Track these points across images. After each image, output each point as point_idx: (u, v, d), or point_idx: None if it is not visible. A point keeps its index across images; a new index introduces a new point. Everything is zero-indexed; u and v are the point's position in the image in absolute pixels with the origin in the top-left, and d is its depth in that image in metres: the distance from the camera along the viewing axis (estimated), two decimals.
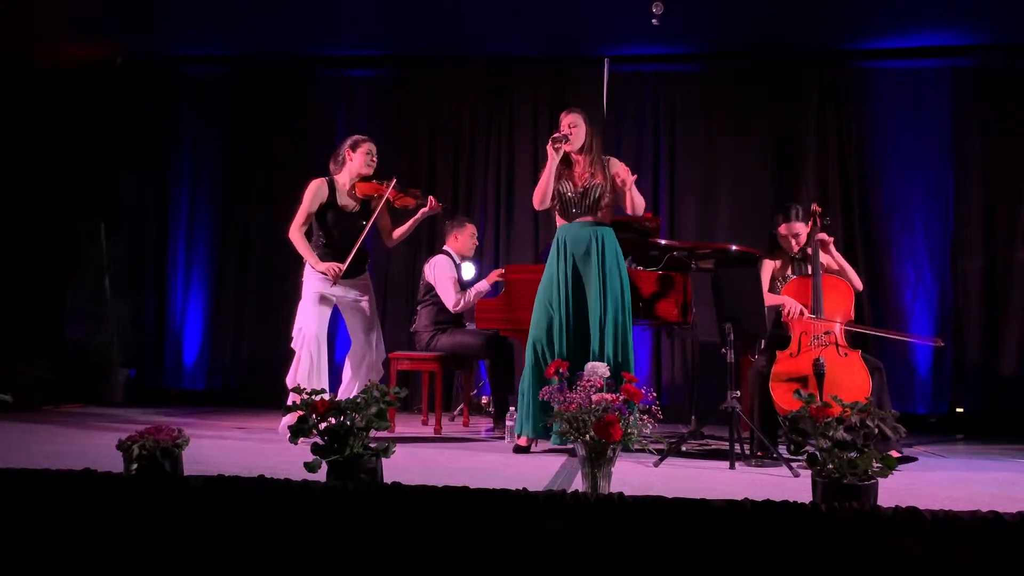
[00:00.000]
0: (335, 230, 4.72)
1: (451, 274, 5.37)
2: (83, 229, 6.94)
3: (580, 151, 4.34)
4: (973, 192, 6.33)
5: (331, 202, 4.73)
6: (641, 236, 4.95)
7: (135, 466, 2.91)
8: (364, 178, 4.77)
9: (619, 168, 4.32)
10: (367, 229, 4.74)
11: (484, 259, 6.67)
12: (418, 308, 5.50)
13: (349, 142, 4.81)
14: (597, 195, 4.28)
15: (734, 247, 5.14)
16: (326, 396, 3.04)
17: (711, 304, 4.05)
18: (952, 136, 6.38)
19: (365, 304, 4.82)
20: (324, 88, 7.02)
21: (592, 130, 4.37)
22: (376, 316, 4.92)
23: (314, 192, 4.73)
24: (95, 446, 3.99)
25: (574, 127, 4.32)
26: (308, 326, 4.69)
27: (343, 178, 4.78)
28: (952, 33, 6.21)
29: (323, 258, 4.70)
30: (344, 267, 4.64)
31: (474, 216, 6.59)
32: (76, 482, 2.66)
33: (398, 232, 4.92)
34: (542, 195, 4.33)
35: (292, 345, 4.77)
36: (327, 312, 4.78)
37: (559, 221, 4.40)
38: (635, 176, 4.30)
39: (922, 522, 2.33)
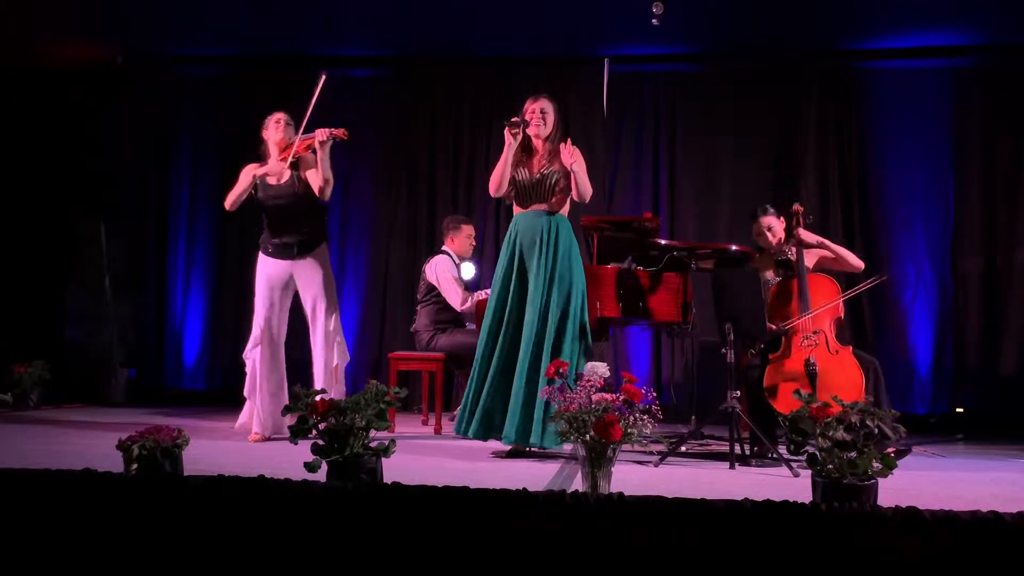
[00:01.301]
0: (269, 205, 4.61)
1: (453, 274, 5.38)
2: (83, 229, 6.94)
3: (545, 138, 4.26)
4: (973, 192, 6.33)
5: (261, 181, 4.62)
6: (641, 236, 4.95)
7: (135, 466, 2.90)
8: (286, 146, 4.63)
9: (578, 158, 4.20)
10: (290, 176, 4.57)
11: (485, 259, 6.68)
12: (418, 308, 5.50)
13: (262, 126, 4.73)
14: (553, 182, 4.20)
15: (734, 247, 5.13)
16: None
17: (711, 304, 4.06)
18: (952, 136, 6.38)
19: (315, 285, 4.59)
20: (324, 88, 7.00)
21: (558, 118, 4.30)
22: (330, 303, 4.62)
23: (245, 170, 4.67)
24: (95, 446, 3.99)
25: (546, 114, 4.25)
26: (256, 323, 4.59)
27: (272, 158, 4.67)
28: (952, 33, 6.21)
29: (267, 238, 4.60)
30: (295, 140, 4.51)
31: (474, 216, 6.58)
32: (76, 482, 2.66)
33: (317, 179, 4.55)
34: (498, 181, 4.24)
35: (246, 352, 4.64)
36: (282, 302, 4.62)
37: (515, 209, 4.32)
38: (574, 160, 4.13)
39: (922, 522, 2.33)
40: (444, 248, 5.59)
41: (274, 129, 4.68)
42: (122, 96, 7.03)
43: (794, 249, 4.41)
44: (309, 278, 4.61)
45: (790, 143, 6.57)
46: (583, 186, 4.18)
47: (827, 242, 4.56)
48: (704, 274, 4.74)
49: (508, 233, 4.29)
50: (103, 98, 7.02)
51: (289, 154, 4.58)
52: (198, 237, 7.08)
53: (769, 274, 4.59)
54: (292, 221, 4.60)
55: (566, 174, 4.20)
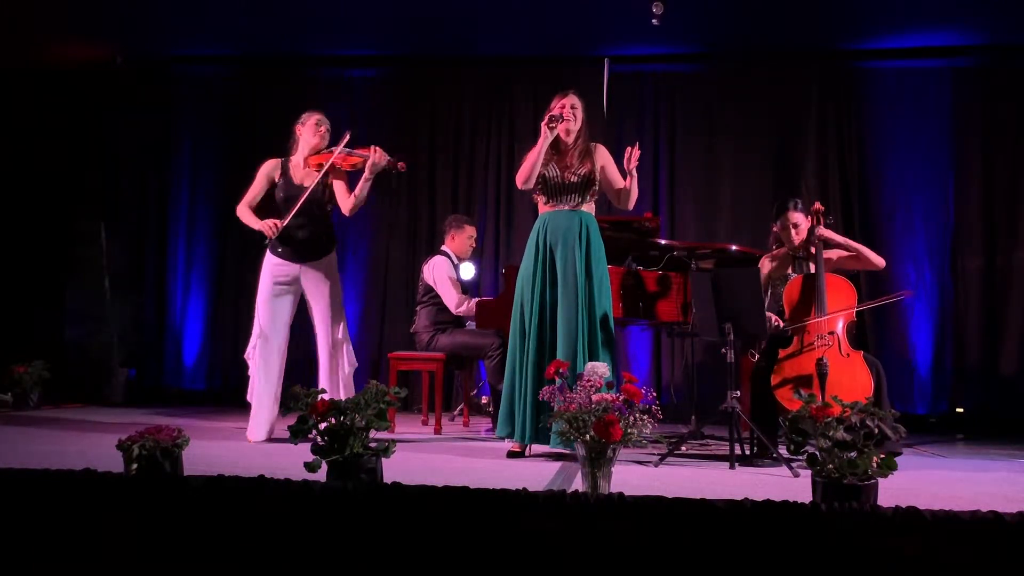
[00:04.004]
0: (285, 207, 4.53)
1: (450, 275, 5.37)
2: (83, 229, 6.94)
3: (575, 136, 4.21)
4: (973, 192, 6.33)
5: (283, 181, 4.59)
6: (641, 236, 4.95)
7: (135, 466, 2.90)
8: (317, 151, 4.60)
9: (608, 157, 4.22)
10: (306, 194, 4.46)
11: (484, 259, 6.68)
12: (417, 308, 5.49)
13: (299, 119, 4.68)
14: (585, 182, 4.15)
15: (734, 247, 5.14)
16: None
17: (711, 304, 4.05)
18: (952, 136, 6.38)
19: (323, 292, 4.56)
20: (324, 88, 7.02)
21: (586, 116, 4.26)
22: (337, 310, 4.58)
23: (265, 170, 4.63)
24: (95, 446, 3.99)
25: (576, 108, 4.20)
26: (256, 323, 4.57)
27: (297, 157, 4.64)
28: (952, 33, 6.21)
29: (278, 239, 4.50)
30: (283, 222, 4.43)
31: (474, 216, 6.59)
32: (76, 482, 2.65)
33: (353, 196, 4.52)
34: (528, 174, 4.15)
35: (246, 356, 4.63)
36: (286, 304, 4.58)
37: (542, 208, 4.23)
38: (633, 169, 4.14)
39: (922, 522, 2.33)
40: (443, 248, 5.59)
41: (312, 131, 4.61)
42: (122, 96, 7.04)
43: (814, 248, 4.39)
44: (318, 286, 4.57)
45: (790, 143, 6.58)
46: (634, 193, 4.18)
47: (851, 242, 4.54)
48: (704, 274, 4.73)
49: (535, 232, 4.19)
50: (103, 98, 7.02)
51: (326, 161, 4.52)
52: (198, 237, 7.08)
53: (788, 269, 4.56)
54: (304, 224, 4.53)
55: (598, 175, 4.18)
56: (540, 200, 4.25)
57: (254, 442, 4.52)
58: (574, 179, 4.16)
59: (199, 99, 7.15)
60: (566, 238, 4.11)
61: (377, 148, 4.49)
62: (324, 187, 4.59)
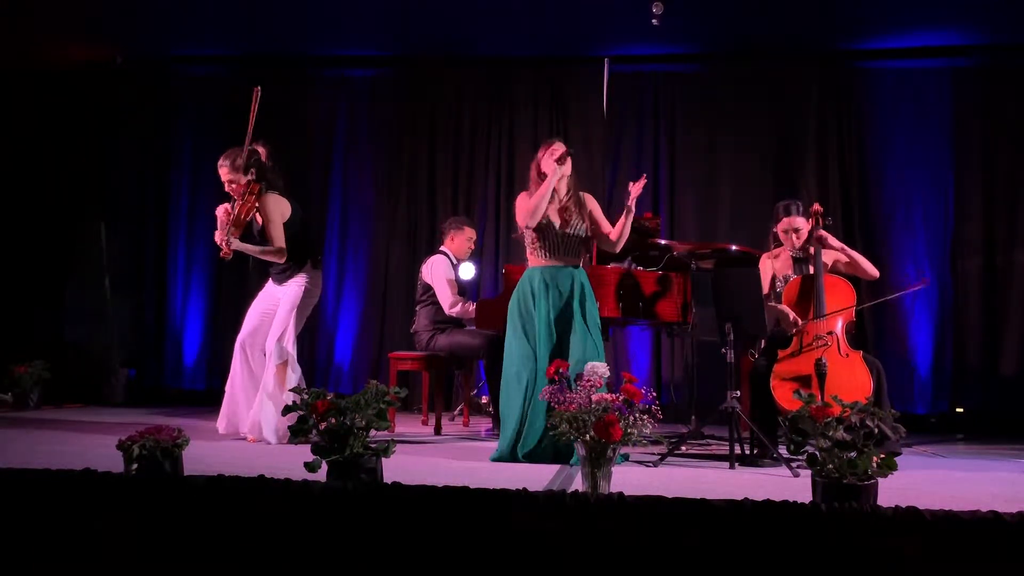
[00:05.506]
0: None
1: (448, 275, 5.37)
2: (83, 229, 6.94)
3: (567, 185, 4.12)
4: (973, 192, 6.33)
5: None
6: (641, 236, 4.95)
7: (135, 466, 2.91)
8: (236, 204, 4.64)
9: (596, 204, 4.16)
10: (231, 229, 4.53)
11: (484, 259, 6.68)
12: (417, 308, 5.49)
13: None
14: (581, 236, 4.10)
15: (734, 247, 5.14)
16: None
17: (711, 304, 4.05)
18: (952, 136, 6.38)
19: (280, 306, 4.70)
20: (324, 88, 7.02)
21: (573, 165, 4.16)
22: (278, 331, 4.63)
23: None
24: (95, 446, 3.99)
25: (568, 156, 4.09)
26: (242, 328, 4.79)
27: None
28: (952, 33, 6.21)
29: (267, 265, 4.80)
30: (221, 238, 4.51)
31: (474, 216, 6.59)
32: (76, 482, 2.66)
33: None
34: (534, 212, 4.03)
35: None
36: (264, 314, 4.75)
37: (535, 262, 4.12)
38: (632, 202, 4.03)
39: (922, 522, 2.33)
40: (442, 248, 5.58)
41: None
42: (122, 96, 7.04)
43: (812, 249, 4.38)
44: (281, 298, 4.72)
45: (790, 143, 6.58)
46: (626, 233, 4.08)
47: (847, 248, 4.54)
48: (704, 274, 4.73)
49: (530, 282, 4.09)
50: (103, 98, 7.02)
51: (237, 220, 4.57)
52: (198, 237, 7.08)
53: (788, 270, 4.55)
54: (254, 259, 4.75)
55: (590, 228, 4.13)
56: (536, 253, 4.13)
57: (253, 440, 4.54)
58: (575, 234, 4.10)
59: (199, 99, 7.14)
60: (561, 292, 4.06)
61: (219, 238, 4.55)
62: (260, 234, 4.64)
